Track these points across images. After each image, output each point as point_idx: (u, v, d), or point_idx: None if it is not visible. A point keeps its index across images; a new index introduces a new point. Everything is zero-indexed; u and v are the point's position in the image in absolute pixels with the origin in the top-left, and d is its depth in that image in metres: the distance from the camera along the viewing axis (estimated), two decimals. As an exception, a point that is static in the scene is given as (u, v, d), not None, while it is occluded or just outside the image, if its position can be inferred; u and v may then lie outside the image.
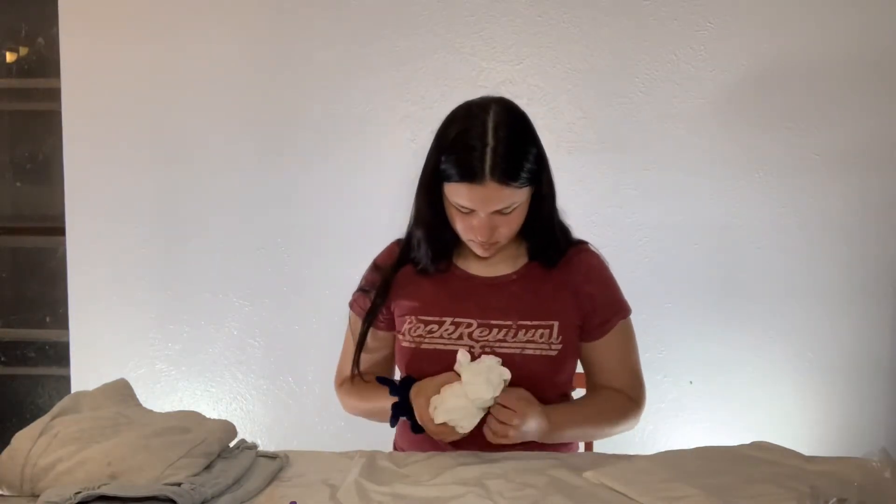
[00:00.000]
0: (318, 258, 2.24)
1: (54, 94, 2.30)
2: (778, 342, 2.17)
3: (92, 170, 2.27)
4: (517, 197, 1.30)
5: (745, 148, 2.13)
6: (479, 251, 1.38)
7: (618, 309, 1.44)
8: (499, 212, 1.30)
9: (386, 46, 2.18)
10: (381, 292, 1.44)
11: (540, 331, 1.36)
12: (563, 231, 1.44)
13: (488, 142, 1.27)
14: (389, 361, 1.51)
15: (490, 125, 1.29)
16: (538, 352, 1.36)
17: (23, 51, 2.57)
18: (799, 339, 2.16)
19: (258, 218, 2.25)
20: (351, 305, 1.50)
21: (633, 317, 1.45)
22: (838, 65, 2.10)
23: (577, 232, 1.47)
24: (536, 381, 1.34)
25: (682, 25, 2.11)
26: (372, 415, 1.46)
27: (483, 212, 1.30)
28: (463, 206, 1.31)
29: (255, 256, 2.26)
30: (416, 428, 1.32)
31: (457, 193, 1.30)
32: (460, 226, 1.34)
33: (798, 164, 2.13)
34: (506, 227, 1.33)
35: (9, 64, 2.58)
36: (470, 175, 1.27)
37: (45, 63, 2.52)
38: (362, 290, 1.48)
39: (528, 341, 1.36)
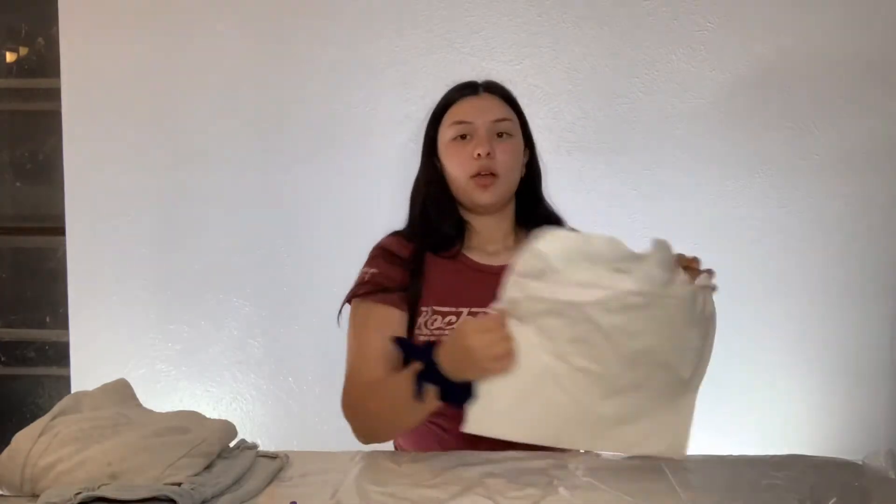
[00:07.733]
0: (319, 258, 2.23)
1: (54, 94, 2.30)
2: (778, 342, 2.17)
3: (92, 170, 2.27)
4: (512, 118, 1.41)
5: (745, 148, 2.13)
6: (478, 194, 1.37)
7: None
8: (497, 133, 1.37)
9: (386, 46, 2.18)
10: (417, 269, 1.37)
11: None
12: (558, 219, 1.48)
13: (479, 79, 1.46)
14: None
15: (480, 80, 1.47)
16: None
17: (23, 51, 2.57)
18: (799, 339, 2.16)
19: (258, 218, 2.25)
20: (364, 296, 1.38)
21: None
22: (838, 65, 2.10)
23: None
24: None
25: (682, 25, 2.11)
26: (396, 408, 1.24)
27: (481, 120, 1.37)
28: (462, 122, 1.37)
29: (255, 256, 2.26)
30: (451, 394, 1.13)
31: (454, 114, 1.40)
32: (459, 160, 1.37)
33: (798, 164, 2.13)
34: (503, 155, 1.37)
35: (9, 64, 2.59)
36: (464, 90, 1.42)
37: (45, 63, 2.52)
38: (374, 279, 1.38)
39: None
